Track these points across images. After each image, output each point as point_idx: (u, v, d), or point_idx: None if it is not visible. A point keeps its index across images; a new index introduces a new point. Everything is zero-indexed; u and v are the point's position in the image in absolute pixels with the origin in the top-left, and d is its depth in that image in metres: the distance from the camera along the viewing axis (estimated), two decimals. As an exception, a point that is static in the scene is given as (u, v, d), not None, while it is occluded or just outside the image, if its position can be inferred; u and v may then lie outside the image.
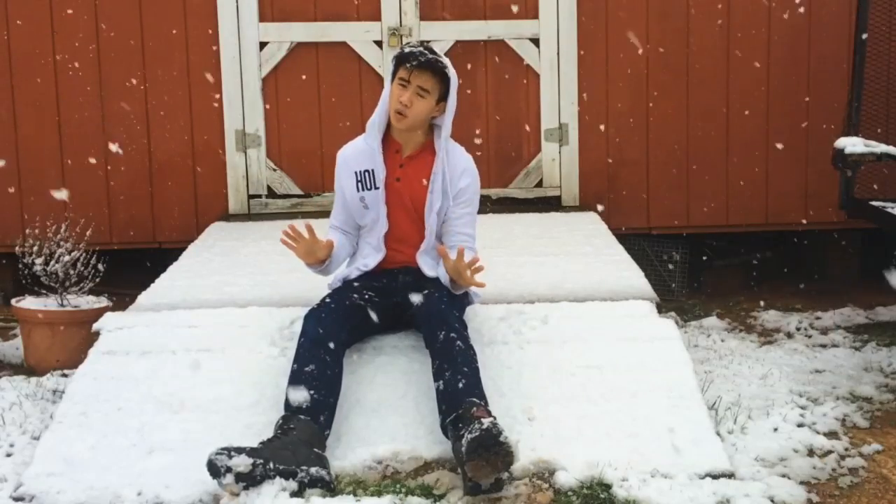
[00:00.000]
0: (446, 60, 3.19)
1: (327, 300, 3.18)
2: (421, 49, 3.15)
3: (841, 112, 4.51)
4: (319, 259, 3.22)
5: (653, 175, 5.31)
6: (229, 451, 2.61)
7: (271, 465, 2.63)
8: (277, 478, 2.63)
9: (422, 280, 3.26)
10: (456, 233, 3.28)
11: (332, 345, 2.97)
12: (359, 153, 3.32)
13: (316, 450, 2.73)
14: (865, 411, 3.41)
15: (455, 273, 3.06)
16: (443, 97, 3.21)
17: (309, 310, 3.12)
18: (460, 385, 2.82)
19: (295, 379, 2.87)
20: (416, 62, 3.13)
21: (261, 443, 2.70)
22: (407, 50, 3.16)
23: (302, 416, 2.79)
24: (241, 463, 2.59)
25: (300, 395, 2.81)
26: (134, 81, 5.14)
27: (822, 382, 3.73)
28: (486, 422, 2.62)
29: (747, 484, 2.73)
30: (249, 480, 2.61)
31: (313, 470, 2.66)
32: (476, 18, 5.23)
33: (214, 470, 2.60)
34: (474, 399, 2.78)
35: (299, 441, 2.70)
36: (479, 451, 2.56)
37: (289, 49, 5.21)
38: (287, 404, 2.83)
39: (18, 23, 5.09)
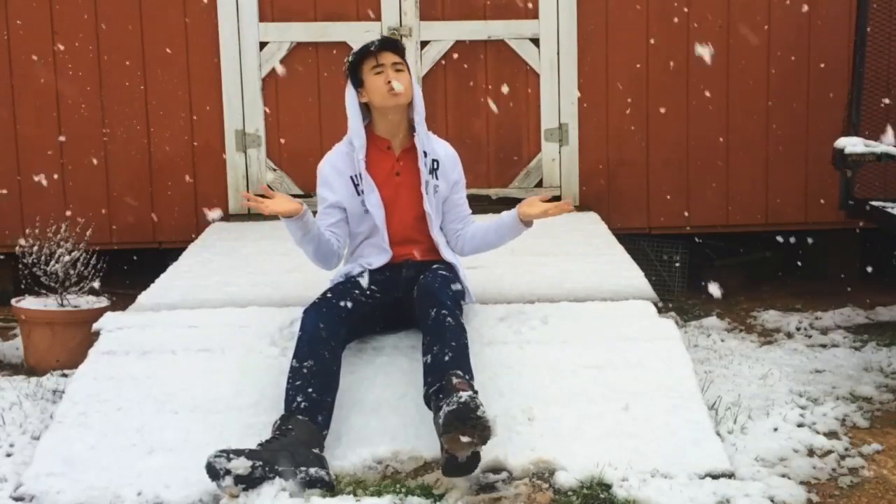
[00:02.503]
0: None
1: (328, 294, 3.17)
2: (368, 42, 3.28)
3: (841, 112, 4.50)
4: (296, 207, 3.06)
5: (653, 175, 5.31)
6: (228, 454, 2.61)
7: (270, 466, 2.62)
8: (277, 479, 2.62)
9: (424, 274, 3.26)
10: (463, 217, 3.46)
11: (331, 342, 2.97)
12: (348, 159, 3.31)
13: (315, 450, 2.72)
14: (865, 411, 3.41)
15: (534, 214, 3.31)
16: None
17: (309, 304, 3.12)
18: (446, 358, 2.83)
19: (293, 376, 2.88)
20: (377, 44, 3.24)
21: (259, 444, 2.69)
22: (359, 47, 3.27)
23: (300, 417, 2.78)
24: (240, 465, 2.59)
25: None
26: (134, 81, 5.15)
27: (822, 382, 3.73)
28: (465, 395, 2.62)
29: (747, 484, 2.73)
30: (249, 482, 2.61)
31: (312, 470, 2.65)
32: (476, 18, 5.23)
33: (213, 473, 2.60)
34: (458, 371, 2.78)
35: (298, 442, 2.70)
36: (455, 423, 2.57)
37: (289, 49, 5.21)
38: (287, 404, 2.83)
39: (18, 23, 5.09)
